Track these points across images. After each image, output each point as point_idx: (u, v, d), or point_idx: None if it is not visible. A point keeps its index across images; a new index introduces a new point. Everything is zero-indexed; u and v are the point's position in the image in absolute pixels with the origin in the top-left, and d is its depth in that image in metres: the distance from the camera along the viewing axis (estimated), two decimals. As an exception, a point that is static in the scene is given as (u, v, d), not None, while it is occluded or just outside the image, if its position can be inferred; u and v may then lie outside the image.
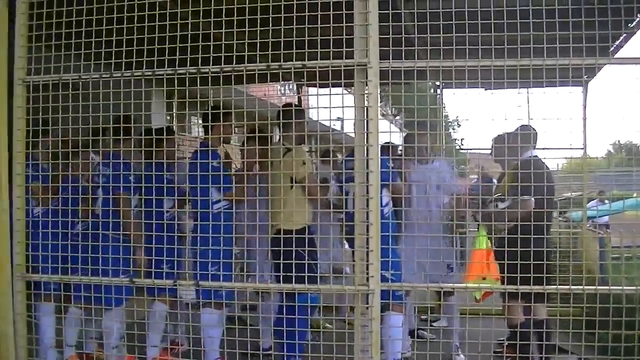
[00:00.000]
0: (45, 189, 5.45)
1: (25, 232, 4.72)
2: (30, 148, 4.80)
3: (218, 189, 5.72)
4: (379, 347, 4.23)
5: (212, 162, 5.51)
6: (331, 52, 4.10)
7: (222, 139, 5.94)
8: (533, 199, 5.19)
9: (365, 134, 4.12)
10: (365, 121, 4.12)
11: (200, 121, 7.00)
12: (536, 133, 5.80)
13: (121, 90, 4.51)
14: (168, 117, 9.38)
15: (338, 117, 6.68)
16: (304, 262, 4.78)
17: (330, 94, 4.26)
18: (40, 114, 4.70)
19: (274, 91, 11.83)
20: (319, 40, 4.09)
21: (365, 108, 4.13)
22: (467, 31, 4.06)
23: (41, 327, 5.50)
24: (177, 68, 4.30)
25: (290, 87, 11.22)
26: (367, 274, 4.14)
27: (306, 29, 4.11)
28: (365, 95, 4.13)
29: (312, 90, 9.26)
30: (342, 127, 9.86)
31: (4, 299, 4.58)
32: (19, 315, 4.65)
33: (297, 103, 7.82)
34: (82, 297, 5.59)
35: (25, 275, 4.69)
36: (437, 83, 9.30)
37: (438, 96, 9.75)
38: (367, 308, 4.18)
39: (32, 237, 4.92)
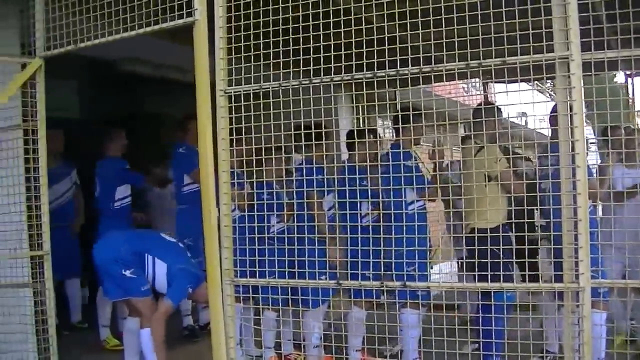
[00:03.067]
0: (240, 195, 5.66)
1: (232, 237, 4.87)
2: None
3: (412, 190, 5.77)
4: (591, 347, 4.11)
5: (405, 163, 5.57)
6: (531, 47, 4.03)
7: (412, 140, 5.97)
8: None
9: (570, 128, 4.02)
10: (569, 116, 4.02)
11: (390, 123, 7.06)
12: None
13: (313, 96, 4.60)
14: (354, 121, 9.50)
15: (522, 112, 6.52)
16: (499, 260, 4.74)
17: (532, 89, 4.21)
18: (234, 122, 4.83)
19: (458, 90, 11.75)
20: (517, 35, 4.03)
21: (569, 102, 4.03)
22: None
23: None
24: (375, 71, 4.34)
25: (474, 84, 11.12)
26: (577, 271, 4.04)
27: (504, 25, 4.06)
28: (568, 89, 4.03)
29: (497, 87, 9.22)
30: (526, 122, 9.71)
31: (215, 302, 4.74)
32: (230, 317, 4.81)
33: (488, 101, 7.79)
34: (280, 300, 5.81)
35: (234, 279, 4.85)
36: (628, 72, 8.99)
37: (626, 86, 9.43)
38: (577, 306, 4.08)
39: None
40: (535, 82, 8.32)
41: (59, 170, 8.25)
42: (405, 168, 5.56)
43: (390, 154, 5.98)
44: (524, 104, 4.57)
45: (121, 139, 7.96)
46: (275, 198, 5.86)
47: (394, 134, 6.35)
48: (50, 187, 7.71)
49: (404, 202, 5.67)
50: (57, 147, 8.16)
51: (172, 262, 5.90)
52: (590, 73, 4.12)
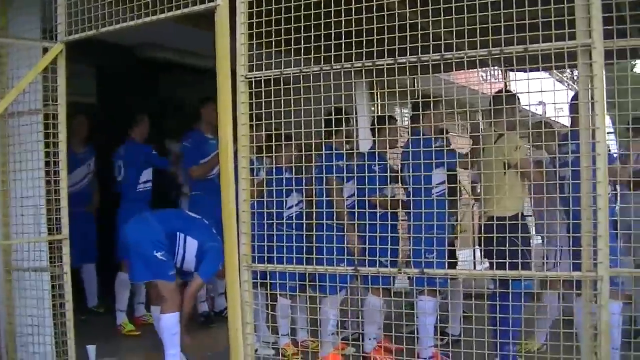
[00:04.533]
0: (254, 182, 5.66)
1: (250, 223, 4.88)
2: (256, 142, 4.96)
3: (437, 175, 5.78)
4: (608, 336, 4.09)
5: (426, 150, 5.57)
6: (553, 35, 4.00)
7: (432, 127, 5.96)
8: None
9: (591, 116, 3.99)
10: (590, 104, 4.00)
11: (408, 111, 7.05)
12: None
13: (329, 83, 4.59)
14: (372, 108, 9.49)
15: (540, 101, 6.46)
16: (517, 248, 4.72)
17: (556, 78, 4.19)
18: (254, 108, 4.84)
19: (474, 78, 11.64)
20: (539, 23, 4.01)
21: (590, 90, 4.00)
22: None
23: None
24: (396, 58, 4.33)
25: (492, 72, 11.02)
26: (595, 259, 4.02)
27: (526, 12, 4.05)
28: (589, 77, 4.00)
29: (513, 75, 9.18)
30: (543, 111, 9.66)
31: (233, 288, 4.75)
32: (247, 303, 4.82)
33: (507, 89, 7.75)
34: (297, 287, 5.83)
35: (251, 265, 4.86)
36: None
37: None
38: (595, 295, 4.06)
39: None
40: (554, 70, 8.24)
41: (82, 155, 8.36)
42: (426, 154, 5.54)
43: (410, 141, 5.96)
44: (542, 92, 4.55)
45: (145, 123, 8.17)
46: (288, 184, 5.88)
47: (413, 121, 6.32)
48: (73, 171, 7.88)
49: (423, 189, 5.64)
50: (82, 132, 8.30)
51: (203, 239, 5.97)
52: (612, 61, 4.11)
